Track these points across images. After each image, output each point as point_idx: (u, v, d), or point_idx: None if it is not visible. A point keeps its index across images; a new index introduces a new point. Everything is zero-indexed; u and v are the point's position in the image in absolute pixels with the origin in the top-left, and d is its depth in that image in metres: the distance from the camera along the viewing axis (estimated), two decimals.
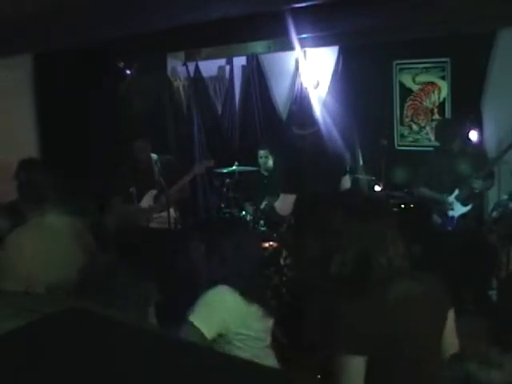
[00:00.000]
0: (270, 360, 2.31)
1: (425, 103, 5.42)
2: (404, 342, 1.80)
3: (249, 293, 2.23)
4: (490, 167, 4.33)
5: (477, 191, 4.30)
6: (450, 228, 4.39)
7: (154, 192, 4.55)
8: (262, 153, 5.51)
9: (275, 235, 4.78)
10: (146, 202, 4.54)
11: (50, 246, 2.43)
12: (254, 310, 2.27)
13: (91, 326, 0.88)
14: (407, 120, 5.57)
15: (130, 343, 0.83)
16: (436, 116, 5.36)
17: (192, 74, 6.55)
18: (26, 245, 2.44)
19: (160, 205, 4.47)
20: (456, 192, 4.34)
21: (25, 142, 4.84)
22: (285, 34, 4.15)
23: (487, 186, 4.39)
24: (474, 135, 4.76)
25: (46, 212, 2.55)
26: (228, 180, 5.34)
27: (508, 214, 4.25)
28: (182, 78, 6.65)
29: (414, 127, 5.55)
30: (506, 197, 4.45)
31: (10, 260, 2.39)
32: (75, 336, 0.82)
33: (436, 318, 1.93)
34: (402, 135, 5.63)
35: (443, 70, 5.22)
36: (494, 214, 4.37)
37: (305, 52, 5.80)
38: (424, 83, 5.38)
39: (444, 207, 4.38)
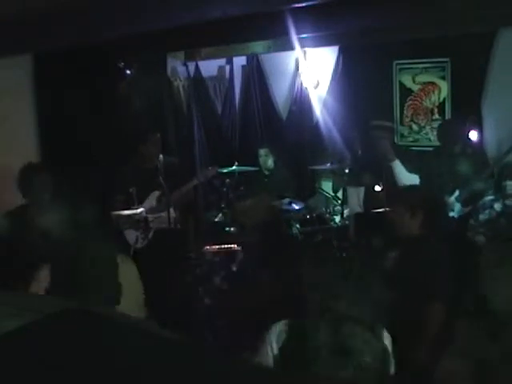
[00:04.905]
0: None
1: (425, 103, 5.42)
2: None
3: None
4: (491, 170, 4.32)
5: (478, 192, 4.29)
6: (449, 228, 4.38)
7: (157, 193, 4.53)
8: (262, 152, 5.50)
9: None
10: (149, 203, 4.51)
11: None
12: None
13: (91, 326, 0.88)
14: (407, 120, 5.57)
15: (130, 343, 0.83)
16: (436, 116, 5.36)
17: (192, 74, 6.55)
18: None
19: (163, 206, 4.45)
20: (456, 193, 4.33)
21: (25, 143, 4.84)
22: (285, 33, 4.15)
23: (488, 187, 4.38)
24: (473, 135, 4.75)
25: None
26: (228, 180, 5.34)
27: (495, 215, 4.22)
28: (182, 78, 6.64)
29: (414, 127, 5.55)
30: (491, 197, 4.37)
31: None
32: (75, 336, 0.82)
33: None
34: (402, 135, 5.63)
35: (443, 69, 5.21)
36: (481, 216, 4.33)
37: (305, 52, 5.80)
38: (424, 83, 5.38)
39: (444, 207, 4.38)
